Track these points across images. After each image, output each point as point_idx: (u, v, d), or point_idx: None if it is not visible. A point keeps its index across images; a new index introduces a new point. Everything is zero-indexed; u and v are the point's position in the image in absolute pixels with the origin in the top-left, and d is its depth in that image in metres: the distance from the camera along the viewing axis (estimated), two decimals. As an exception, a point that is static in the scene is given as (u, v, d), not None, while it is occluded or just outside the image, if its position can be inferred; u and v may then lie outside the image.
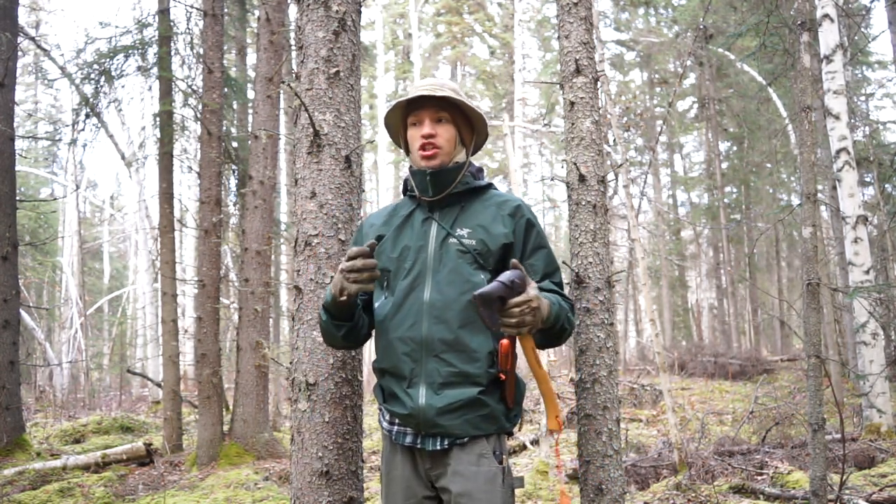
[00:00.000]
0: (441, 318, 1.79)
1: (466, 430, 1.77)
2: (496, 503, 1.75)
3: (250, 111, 8.83)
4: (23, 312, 12.60)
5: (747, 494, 4.54)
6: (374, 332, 2.00)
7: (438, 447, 1.79)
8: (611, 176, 7.78)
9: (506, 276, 1.63)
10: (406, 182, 2.01)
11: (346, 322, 1.88)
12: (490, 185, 1.99)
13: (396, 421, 1.87)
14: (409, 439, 1.84)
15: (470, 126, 2.00)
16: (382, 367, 1.88)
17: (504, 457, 1.83)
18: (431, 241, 1.88)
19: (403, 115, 2.00)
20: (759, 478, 4.94)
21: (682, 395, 11.04)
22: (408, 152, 2.02)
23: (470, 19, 21.43)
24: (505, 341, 1.76)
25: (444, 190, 1.91)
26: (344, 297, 1.75)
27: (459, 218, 1.90)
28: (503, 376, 1.79)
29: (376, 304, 1.96)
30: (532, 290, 1.64)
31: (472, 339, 1.79)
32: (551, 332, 1.78)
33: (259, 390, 6.38)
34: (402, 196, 2.06)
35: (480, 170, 2.02)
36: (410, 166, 1.98)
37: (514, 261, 1.67)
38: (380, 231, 1.96)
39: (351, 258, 1.73)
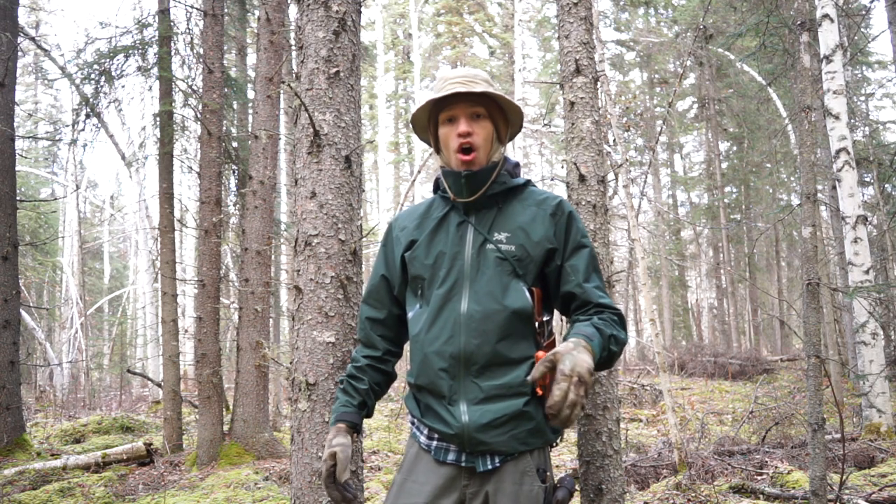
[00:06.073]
0: (479, 331, 1.66)
1: (514, 446, 1.64)
2: None
3: (250, 111, 8.83)
4: (23, 312, 12.60)
5: (747, 494, 4.54)
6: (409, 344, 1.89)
7: (490, 466, 1.65)
8: (611, 176, 7.78)
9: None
10: (438, 181, 1.87)
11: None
12: (528, 182, 1.85)
13: (436, 436, 1.72)
14: (451, 456, 1.69)
15: (505, 118, 1.83)
16: (419, 383, 1.74)
17: (548, 473, 1.70)
18: (468, 248, 1.74)
19: (432, 111, 1.83)
20: (759, 478, 4.94)
21: (682, 395, 11.04)
22: (438, 150, 1.85)
23: (470, 19, 21.43)
24: (540, 353, 1.65)
25: (479, 191, 1.76)
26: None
27: (497, 220, 1.76)
28: (540, 391, 1.65)
29: (410, 315, 1.82)
30: (566, 364, 1.43)
31: (513, 349, 1.66)
32: (603, 361, 1.62)
33: (259, 390, 6.38)
34: (433, 193, 1.92)
35: (517, 165, 1.87)
36: (442, 166, 1.83)
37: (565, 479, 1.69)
38: (412, 235, 1.83)
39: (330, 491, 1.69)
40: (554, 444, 1.77)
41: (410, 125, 1.94)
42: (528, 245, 1.72)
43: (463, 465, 1.67)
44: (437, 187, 1.88)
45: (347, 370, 1.87)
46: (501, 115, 1.82)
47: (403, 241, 1.84)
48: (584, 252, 1.75)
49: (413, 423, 1.82)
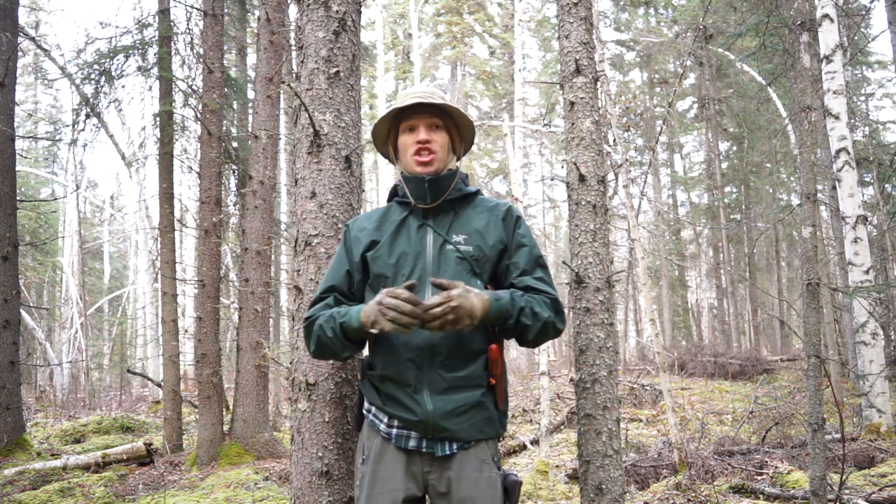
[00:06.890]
0: None
1: (472, 433, 1.81)
2: None
3: (250, 111, 8.83)
4: (23, 312, 12.61)
5: (747, 494, 4.55)
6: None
7: (448, 451, 1.80)
8: (611, 176, 7.78)
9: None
10: (395, 188, 2.03)
11: (357, 346, 1.89)
12: (478, 192, 2.03)
13: (396, 423, 1.84)
14: (412, 443, 1.82)
15: (459, 134, 2.04)
16: (385, 374, 1.85)
17: (499, 462, 1.90)
18: (429, 248, 1.89)
19: (393, 123, 2.02)
20: (759, 478, 4.94)
21: (682, 395, 11.04)
22: (394, 161, 2.04)
23: (470, 19, 21.43)
24: (493, 346, 1.84)
25: (441, 196, 1.93)
26: (375, 330, 1.74)
27: (454, 224, 1.93)
28: (493, 381, 1.85)
29: None
30: (455, 291, 1.69)
31: (472, 340, 1.83)
32: (510, 328, 1.81)
33: (259, 390, 6.38)
34: (387, 202, 2.06)
35: (468, 177, 2.07)
36: (402, 172, 1.99)
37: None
38: (372, 236, 1.95)
39: (396, 297, 1.70)
40: (501, 438, 1.93)
41: (371, 136, 2.06)
42: (485, 247, 1.90)
43: (423, 450, 1.81)
44: (393, 195, 2.04)
45: (326, 315, 1.88)
46: (456, 130, 2.02)
47: (364, 240, 1.96)
48: (524, 250, 1.94)
49: (369, 412, 1.91)
